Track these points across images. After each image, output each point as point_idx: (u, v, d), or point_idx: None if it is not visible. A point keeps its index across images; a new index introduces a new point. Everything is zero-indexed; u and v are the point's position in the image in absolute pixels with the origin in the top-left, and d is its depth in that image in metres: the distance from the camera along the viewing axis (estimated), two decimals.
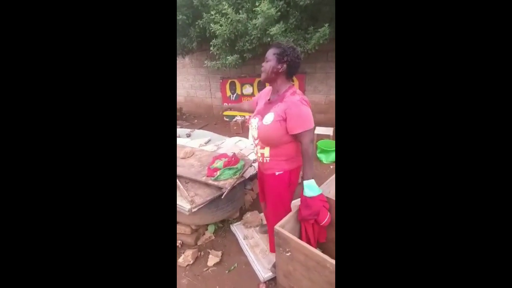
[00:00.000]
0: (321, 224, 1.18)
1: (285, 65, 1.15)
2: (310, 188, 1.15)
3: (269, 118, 1.18)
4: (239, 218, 1.97)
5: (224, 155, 1.84)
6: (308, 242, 1.17)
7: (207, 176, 1.71)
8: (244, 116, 4.71)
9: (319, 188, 1.18)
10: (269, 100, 1.28)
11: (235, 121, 4.42)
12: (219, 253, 1.65)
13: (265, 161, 1.28)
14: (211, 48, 3.34)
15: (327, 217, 1.17)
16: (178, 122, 4.88)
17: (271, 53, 1.16)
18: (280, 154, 1.23)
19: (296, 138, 1.17)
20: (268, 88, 1.34)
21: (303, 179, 1.17)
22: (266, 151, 1.25)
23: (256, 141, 1.29)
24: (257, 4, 2.66)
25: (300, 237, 1.25)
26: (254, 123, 1.28)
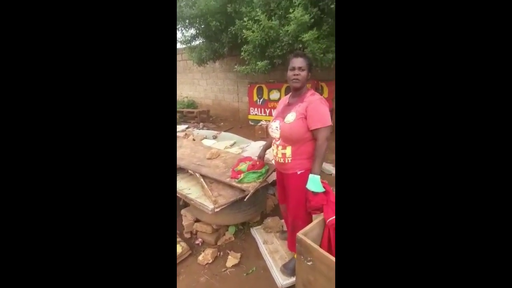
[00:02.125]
0: (326, 222, 1.20)
1: (309, 73, 1.30)
2: (314, 182, 1.20)
3: (291, 117, 1.27)
4: (260, 222, 1.97)
5: (248, 158, 1.86)
6: (329, 249, 1.14)
7: (231, 178, 1.74)
8: (269, 121, 4.73)
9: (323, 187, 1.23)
10: (288, 103, 1.37)
11: (260, 125, 4.45)
12: (238, 255, 1.65)
13: (286, 161, 1.32)
14: (242, 54, 3.42)
15: (333, 218, 1.18)
16: (205, 124, 5.03)
17: (304, 63, 1.26)
18: (302, 153, 1.28)
19: (314, 134, 1.24)
20: (286, 96, 1.45)
21: (310, 172, 1.23)
22: (288, 150, 1.30)
23: (278, 142, 1.35)
24: (290, 11, 2.68)
25: (321, 244, 1.23)
26: (274, 125, 1.35)
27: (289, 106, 1.34)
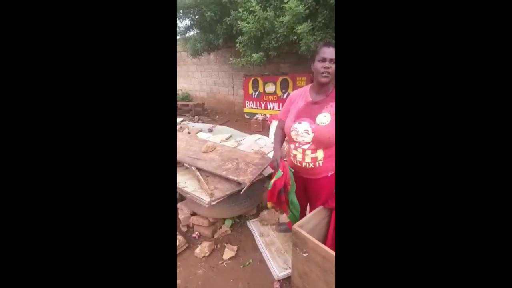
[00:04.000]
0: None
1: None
2: None
3: (324, 118, 1.13)
4: (256, 215, 1.98)
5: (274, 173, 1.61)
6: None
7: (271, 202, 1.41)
8: (265, 114, 4.71)
9: None
10: (312, 101, 1.19)
11: (256, 118, 4.43)
12: (235, 247, 1.67)
13: (317, 165, 1.20)
14: (237, 45, 3.38)
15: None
16: (200, 117, 4.99)
17: (334, 55, 1.06)
18: (332, 154, 1.19)
19: None
20: (300, 90, 1.28)
21: None
22: (320, 154, 1.18)
23: (306, 146, 1.19)
24: (285, 1, 2.63)
25: (326, 238, 1.26)
26: (301, 128, 1.17)
27: (315, 105, 1.17)
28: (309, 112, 1.18)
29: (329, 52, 1.06)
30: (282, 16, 2.74)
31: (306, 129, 1.15)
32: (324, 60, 1.07)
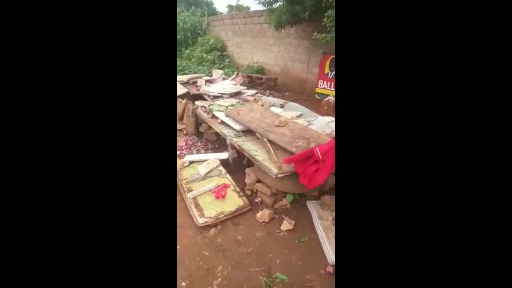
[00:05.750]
0: None
1: None
2: None
3: None
4: (317, 198, 1.98)
5: None
6: None
7: None
8: None
9: None
10: None
11: (327, 100, 4.20)
12: (293, 222, 1.72)
13: None
14: (324, 20, 3.14)
15: None
16: (271, 92, 5.03)
17: None
18: None
19: None
20: None
21: None
22: None
23: None
24: None
25: None
26: None
27: None
28: None
29: None
30: None
31: None
32: None
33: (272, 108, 2.79)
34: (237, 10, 8.80)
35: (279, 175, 1.67)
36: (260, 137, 2.07)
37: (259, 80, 5.39)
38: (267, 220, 1.73)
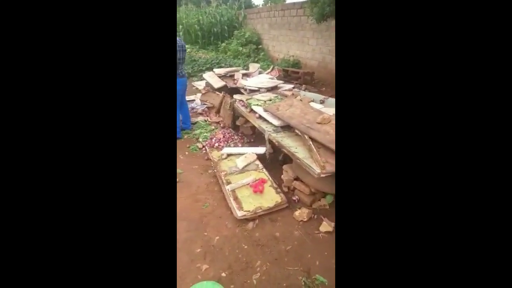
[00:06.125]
0: None
1: None
2: None
3: None
4: None
5: None
6: None
7: None
8: None
9: None
10: None
11: None
12: (332, 224, 1.66)
13: None
14: None
15: None
16: (307, 87, 4.89)
17: None
18: None
19: None
20: None
21: None
22: None
23: None
24: None
25: None
26: None
27: None
28: None
29: None
30: None
31: None
32: None
33: (312, 104, 2.70)
34: (273, 3, 8.64)
35: (322, 175, 1.61)
36: (300, 134, 2.01)
37: (295, 74, 5.27)
38: (305, 220, 1.69)
